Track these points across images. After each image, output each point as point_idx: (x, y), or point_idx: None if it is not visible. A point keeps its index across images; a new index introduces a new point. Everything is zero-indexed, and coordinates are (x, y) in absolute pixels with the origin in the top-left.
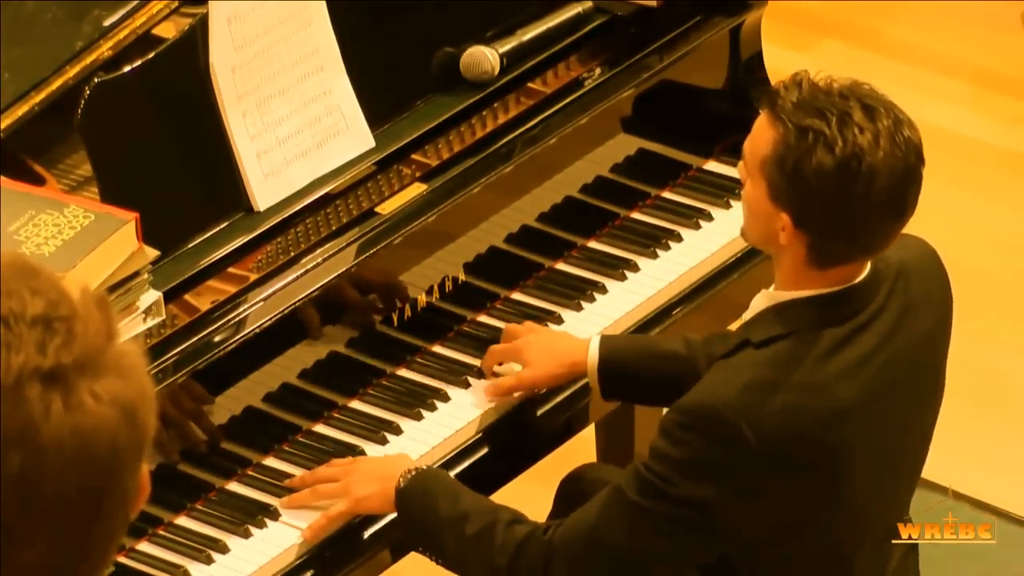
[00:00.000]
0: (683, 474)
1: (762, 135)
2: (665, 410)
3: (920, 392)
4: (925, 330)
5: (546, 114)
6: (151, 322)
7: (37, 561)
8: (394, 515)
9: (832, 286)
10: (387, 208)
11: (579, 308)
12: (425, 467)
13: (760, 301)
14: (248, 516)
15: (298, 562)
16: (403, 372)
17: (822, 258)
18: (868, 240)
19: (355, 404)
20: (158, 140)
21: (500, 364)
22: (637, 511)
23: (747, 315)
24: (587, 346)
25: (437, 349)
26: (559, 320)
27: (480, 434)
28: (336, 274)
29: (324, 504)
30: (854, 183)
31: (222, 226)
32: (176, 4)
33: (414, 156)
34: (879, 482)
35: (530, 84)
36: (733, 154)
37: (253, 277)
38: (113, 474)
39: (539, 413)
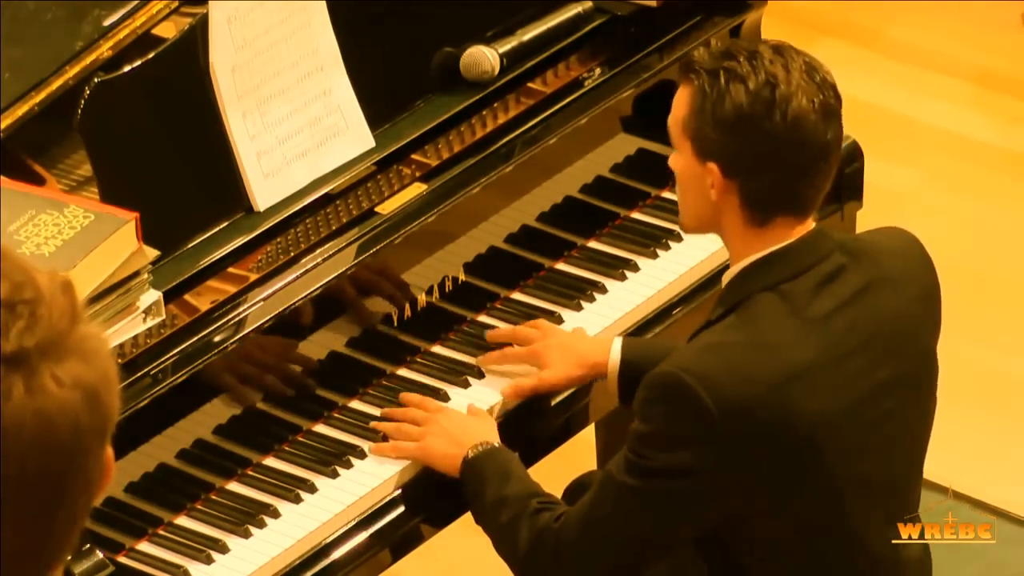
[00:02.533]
0: (656, 446)
1: (679, 100)
2: None
3: (900, 369)
4: (898, 306)
5: (546, 114)
6: (151, 322)
7: (2, 545)
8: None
9: (774, 245)
10: (387, 208)
11: (579, 308)
12: (496, 445)
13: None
14: (248, 516)
15: (298, 562)
16: (403, 372)
17: (756, 208)
18: (796, 181)
19: (355, 404)
20: (158, 140)
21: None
22: (624, 491)
23: None
24: (607, 347)
25: (437, 349)
26: (559, 320)
27: None
28: (336, 274)
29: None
30: (771, 111)
31: (222, 226)
32: (176, 4)
33: (414, 156)
34: (865, 459)
35: (530, 84)
36: None
37: (253, 277)
38: (75, 457)
39: (538, 414)
